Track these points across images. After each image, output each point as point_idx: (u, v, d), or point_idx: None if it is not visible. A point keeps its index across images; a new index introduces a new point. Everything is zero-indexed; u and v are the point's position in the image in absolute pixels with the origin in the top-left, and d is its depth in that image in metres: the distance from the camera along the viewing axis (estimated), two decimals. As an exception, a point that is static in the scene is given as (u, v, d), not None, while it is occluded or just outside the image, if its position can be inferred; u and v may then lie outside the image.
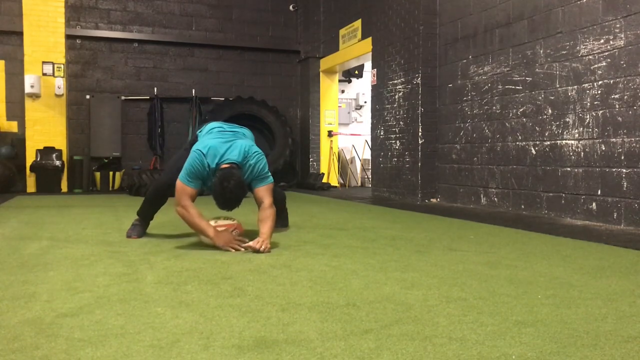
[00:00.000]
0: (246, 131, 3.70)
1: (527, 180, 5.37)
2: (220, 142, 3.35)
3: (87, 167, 9.26)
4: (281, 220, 4.08)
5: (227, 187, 3.08)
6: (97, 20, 9.64)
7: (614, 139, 4.48)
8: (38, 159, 8.74)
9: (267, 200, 3.35)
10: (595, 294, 2.21)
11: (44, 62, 8.90)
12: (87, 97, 9.47)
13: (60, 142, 9.00)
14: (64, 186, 9.01)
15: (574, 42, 4.85)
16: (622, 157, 4.40)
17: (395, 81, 7.26)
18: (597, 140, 4.63)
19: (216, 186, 3.11)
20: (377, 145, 7.81)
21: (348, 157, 11.02)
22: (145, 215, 3.82)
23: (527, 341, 1.63)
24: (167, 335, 1.67)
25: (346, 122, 11.64)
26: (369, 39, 8.19)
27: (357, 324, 1.79)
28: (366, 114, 11.52)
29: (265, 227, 3.25)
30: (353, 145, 11.03)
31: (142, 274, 2.58)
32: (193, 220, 3.23)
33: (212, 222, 3.34)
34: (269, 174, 3.44)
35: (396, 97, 7.25)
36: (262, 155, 3.43)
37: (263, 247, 3.11)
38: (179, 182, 3.28)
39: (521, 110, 5.46)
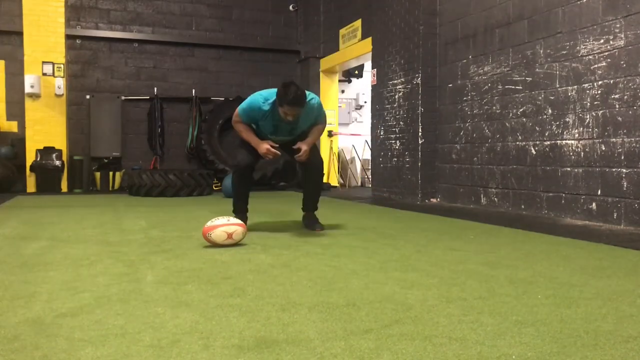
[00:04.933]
0: None
1: (527, 180, 5.37)
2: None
3: (87, 167, 9.26)
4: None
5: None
6: (97, 20, 9.64)
7: (614, 139, 4.48)
8: (38, 159, 8.74)
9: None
10: (595, 294, 2.21)
11: (44, 62, 8.90)
12: (87, 97, 9.47)
13: (60, 142, 9.00)
14: (64, 186, 9.01)
15: (574, 42, 4.85)
16: (622, 157, 4.40)
17: (395, 81, 7.26)
18: (597, 140, 4.63)
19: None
20: (377, 145, 7.81)
21: (348, 157, 11.02)
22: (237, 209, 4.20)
23: (527, 341, 1.63)
24: (167, 335, 1.67)
25: (346, 122, 11.64)
26: (369, 39, 8.18)
27: (357, 324, 1.79)
28: (366, 114, 11.51)
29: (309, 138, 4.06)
30: (353, 145, 11.02)
31: (142, 274, 2.58)
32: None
33: (225, 220, 3.36)
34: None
35: (396, 97, 7.25)
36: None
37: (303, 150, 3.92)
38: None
39: (521, 110, 5.45)
